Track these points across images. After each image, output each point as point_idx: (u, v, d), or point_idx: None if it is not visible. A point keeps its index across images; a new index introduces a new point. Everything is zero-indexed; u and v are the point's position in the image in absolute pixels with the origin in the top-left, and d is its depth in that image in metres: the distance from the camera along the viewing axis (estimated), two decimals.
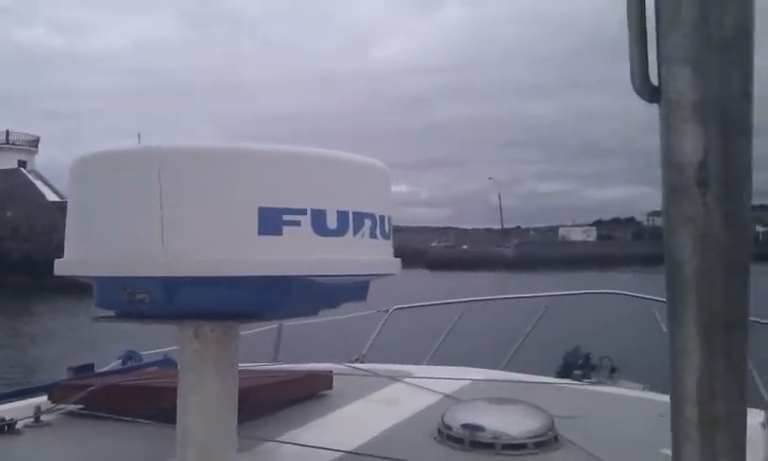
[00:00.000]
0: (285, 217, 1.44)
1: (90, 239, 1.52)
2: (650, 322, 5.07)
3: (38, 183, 52.47)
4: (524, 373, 3.63)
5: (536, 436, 2.07)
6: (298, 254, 1.44)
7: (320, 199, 1.48)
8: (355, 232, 1.54)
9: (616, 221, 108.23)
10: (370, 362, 4.20)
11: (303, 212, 1.45)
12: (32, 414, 2.42)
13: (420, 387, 2.97)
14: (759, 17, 0.76)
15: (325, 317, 5.22)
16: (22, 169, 52.84)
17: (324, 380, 2.93)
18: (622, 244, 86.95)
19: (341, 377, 3.06)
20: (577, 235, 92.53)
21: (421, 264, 66.16)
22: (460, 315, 5.50)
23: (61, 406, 2.53)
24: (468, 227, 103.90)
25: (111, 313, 1.61)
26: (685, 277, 0.81)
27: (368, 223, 1.58)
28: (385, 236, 1.65)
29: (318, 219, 1.47)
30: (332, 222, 1.49)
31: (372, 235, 1.59)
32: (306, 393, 2.81)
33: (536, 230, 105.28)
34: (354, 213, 1.54)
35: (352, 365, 3.68)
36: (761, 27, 0.77)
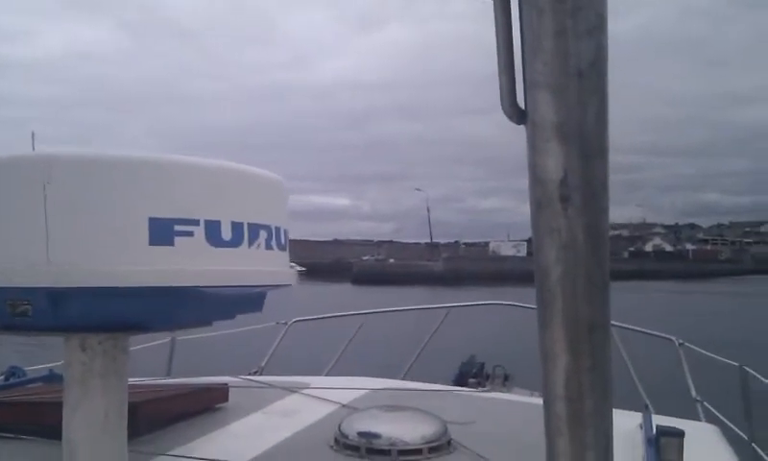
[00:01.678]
0: (177, 227, 1.43)
1: None
2: None
3: None
4: (422, 382, 3.72)
5: (429, 441, 2.13)
6: (190, 264, 1.43)
7: (214, 210, 1.48)
8: (250, 244, 1.55)
9: None
10: (269, 375, 4.18)
11: (196, 223, 1.45)
12: None
13: (317, 398, 2.99)
14: (613, 47, 0.84)
15: (222, 330, 5.16)
16: None
17: (220, 393, 2.90)
18: None
19: (237, 390, 3.03)
20: (507, 250, 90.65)
21: (348, 278, 64.50)
22: (359, 327, 5.55)
23: None
24: (411, 241, 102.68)
25: None
26: (551, 284, 0.87)
27: (263, 234, 1.59)
28: (281, 247, 1.67)
29: (212, 230, 1.47)
30: (227, 233, 1.50)
31: (268, 246, 1.61)
32: (201, 406, 2.77)
33: (467, 244, 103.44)
34: (249, 224, 1.55)
35: (249, 378, 3.65)
36: (615, 55, 0.85)
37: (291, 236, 1.75)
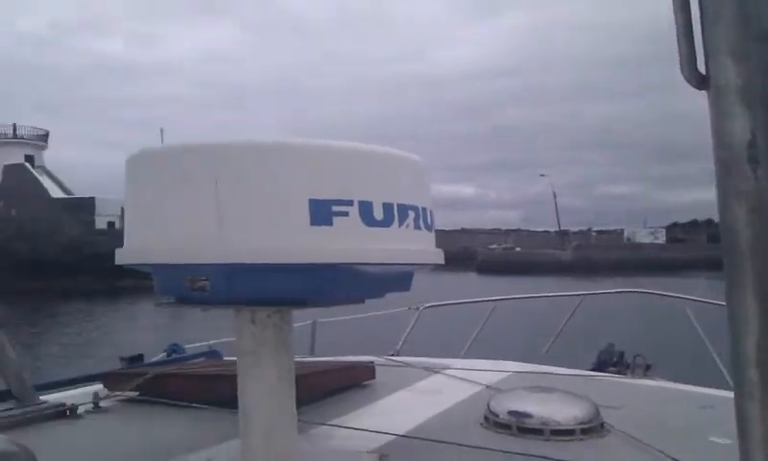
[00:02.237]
0: (334, 208, 1.53)
1: (152, 230, 1.62)
2: (683, 321, 5.09)
3: (44, 179, 51.13)
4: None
5: (582, 423, 2.13)
6: (347, 243, 1.53)
7: (366, 191, 1.58)
8: (400, 223, 1.63)
9: (693, 224, 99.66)
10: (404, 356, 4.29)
11: (351, 204, 1.55)
12: (90, 400, 2.57)
13: (460, 378, 3.06)
14: None
15: (356, 314, 5.36)
16: (27, 165, 51.12)
17: (367, 371, 3.04)
18: (696, 247, 76.87)
19: (382, 369, 3.16)
20: (644, 237, 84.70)
21: (473, 267, 63.31)
22: (491, 311, 5.57)
23: (118, 393, 2.67)
24: (540, 229, 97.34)
25: (171, 299, 1.71)
26: (741, 246, 0.88)
27: (411, 214, 1.66)
28: (428, 228, 1.74)
29: (365, 210, 1.56)
30: (378, 213, 1.58)
31: (416, 226, 1.68)
32: (350, 382, 2.91)
33: (598, 231, 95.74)
34: (399, 205, 1.63)
35: (392, 358, 3.78)
36: None
37: None
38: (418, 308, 5.35)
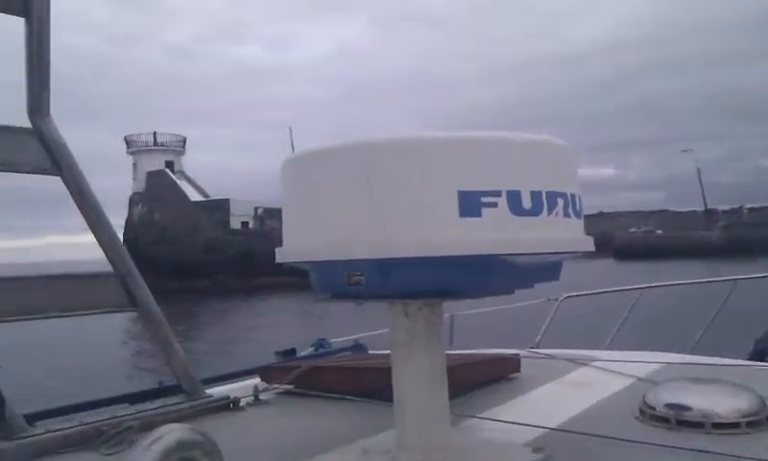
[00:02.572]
0: (483, 199, 1.54)
1: (309, 228, 1.71)
2: None
3: (182, 184, 53.11)
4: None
5: (747, 416, 2.00)
6: (497, 233, 1.54)
7: (514, 180, 1.58)
8: (549, 211, 1.62)
9: None
10: (545, 349, 4.22)
11: (499, 194, 1.55)
12: (251, 393, 2.73)
13: (609, 370, 2.97)
14: None
15: (494, 306, 5.32)
16: (167, 170, 53.28)
17: (513, 364, 3.02)
18: None
19: (527, 361, 3.14)
20: None
21: (609, 252, 59.34)
22: (636, 300, 5.35)
23: (275, 386, 2.82)
24: (686, 209, 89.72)
25: (328, 295, 1.80)
26: None
27: (561, 202, 1.65)
28: (577, 215, 1.72)
29: (514, 200, 1.56)
30: (527, 202, 1.58)
31: (566, 214, 1.66)
32: (496, 375, 2.91)
33: (752, 209, 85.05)
34: (547, 193, 1.61)
35: (535, 350, 3.74)
36: None
37: None
38: (557, 299, 5.24)
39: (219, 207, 51.27)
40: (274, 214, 52.61)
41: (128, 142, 56.35)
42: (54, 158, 2.44)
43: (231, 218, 50.91)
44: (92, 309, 2.54)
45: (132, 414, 2.35)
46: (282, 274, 43.74)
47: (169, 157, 55.11)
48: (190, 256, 46.40)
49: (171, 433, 1.04)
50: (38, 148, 2.42)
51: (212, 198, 53.77)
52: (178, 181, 52.73)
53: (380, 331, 4.24)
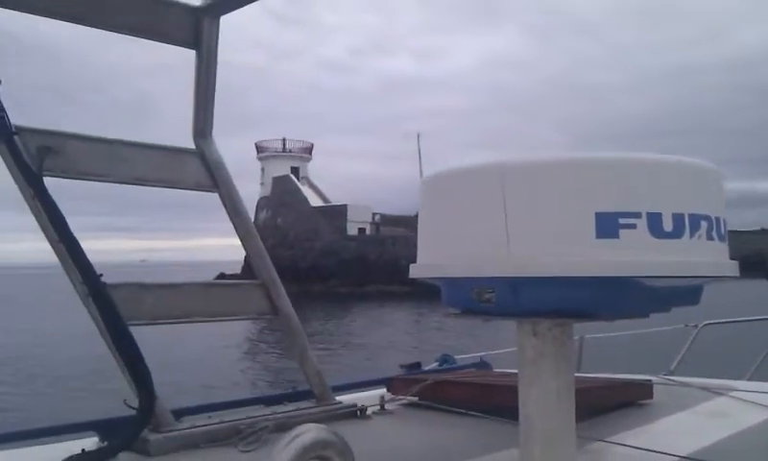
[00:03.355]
0: (621, 220, 1.51)
1: (443, 245, 1.74)
2: None
3: (305, 189, 53.24)
4: None
5: None
6: (634, 255, 1.50)
7: (655, 202, 1.53)
8: (692, 235, 1.56)
9: None
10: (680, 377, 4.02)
11: (639, 216, 1.51)
12: (377, 403, 2.80)
13: (747, 401, 2.80)
14: None
15: (629, 330, 5.12)
16: (291, 176, 53.49)
17: (645, 390, 2.91)
18: None
19: (659, 388, 3.01)
20: None
21: (762, 274, 55.73)
22: None
23: (401, 397, 2.88)
24: None
25: (458, 311, 1.82)
26: None
27: (704, 225, 1.58)
28: (721, 238, 1.64)
29: (654, 222, 1.52)
30: (668, 224, 1.53)
31: (709, 237, 1.59)
32: (626, 400, 2.82)
33: None
34: (690, 215, 1.56)
35: (670, 378, 3.57)
36: None
37: None
38: (696, 326, 4.96)
39: (337, 213, 51.35)
40: (389, 221, 52.92)
41: (258, 148, 57.52)
42: (213, 177, 2.68)
43: (348, 224, 50.83)
44: (239, 315, 2.73)
45: (267, 415, 2.49)
46: (395, 282, 44.40)
47: (295, 163, 55.76)
48: (308, 261, 47.06)
49: (309, 432, 1.11)
50: (200, 167, 2.68)
51: (332, 204, 53.95)
52: (301, 187, 53.20)
53: (505, 350, 4.20)
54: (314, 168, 58.38)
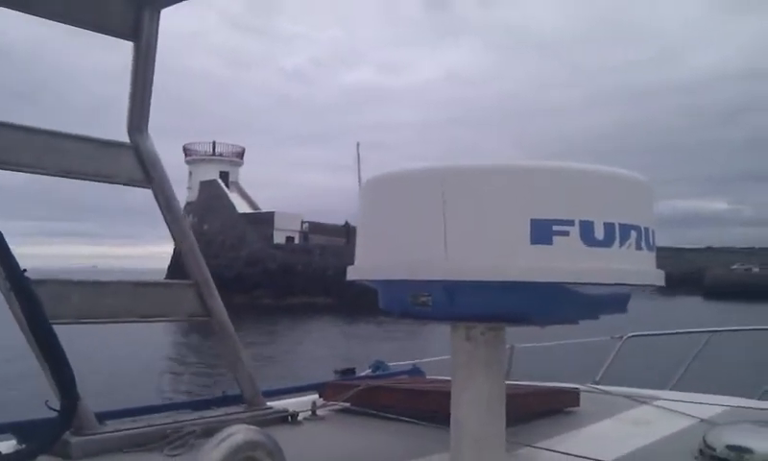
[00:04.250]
0: (555, 227, 1.54)
1: (381, 248, 1.74)
2: None
3: (233, 195, 50.64)
4: None
5: None
6: (567, 262, 1.54)
7: (588, 211, 1.57)
8: (621, 243, 1.60)
9: None
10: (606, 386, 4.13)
11: (572, 223, 1.55)
12: (309, 408, 2.77)
13: (670, 410, 2.90)
14: None
15: (557, 341, 5.23)
16: (219, 180, 50.82)
17: (571, 397, 2.98)
18: None
19: (586, 396, 3.09)
20: None
21: (699, 290, 53.65)
22: (704, 344, 5.17)
23: (333, 403, 2.86)
24: None
25: (394, 315, 1.82)
26: None
27: (633, 234, 1.63)
28: (650, 248, 1.70)
29: (586, 230, 1.56)
30: (599, 233, 1.57)
31: (638, 247, 1.64)
32: (553, 407, 2.88)
33: None
34: (621, 225, 1.60)
35: (596, 386, 3.66)
36: None
37: (657, 244, 1.75)
38: (621, 337, 5.11)
39: (264, 220, 48.78)
40: (318, 229, 50.71)
41: (186, 151, 54.15)
42: (147, 172, 2.59)
43: (276, 232, 48.40)
44: (170, 316, 2.66)
45: (195, 419, 2.42)
46: (321, 294, 43.22)
47: (225, 168, 53.07)
48: (233, 271, 44.09)
49: (239, 433, 1.09)
50: (134, 162, 2.60)
51: (260, 211, 51.32)
52: (229, 193, 50.53)
53: (438, 358, 4.23)
54: (246, 174, 56.35)
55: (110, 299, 2.48)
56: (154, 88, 2.67)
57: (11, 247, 2.01)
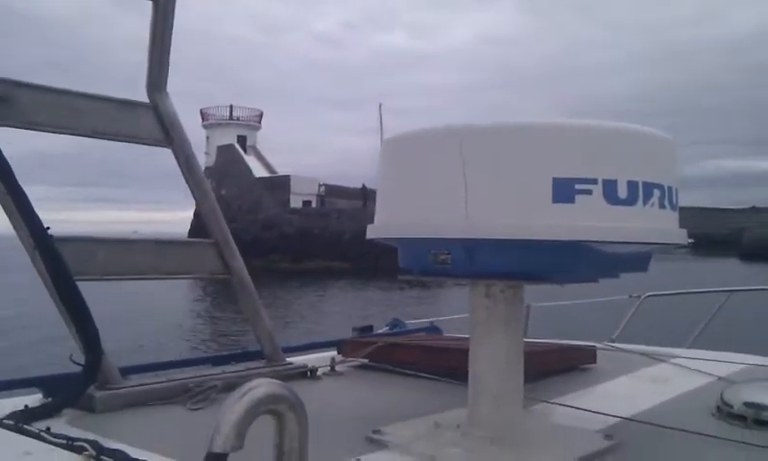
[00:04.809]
0: (578, 186, 1.53)
1: (401, 207, 1.74)
2: None
3: (251, 159, 50.31)
4: None
5: None
6: (589, 220, 1.53)
7: (611, 169, 1.56)
8: (645, 202, 1.59)
9: None
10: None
11: (595, 182, 1.54)
12: (328, 364, 2.81)
13: (688, 368, 2.90)
14: None
15: (575, 300, 5.22)
16: (236, 145, 50.54)
17: (588, 354, 2.99)
18: None
19: (603, 354, 3.09)
20: None
21: (737, 251, 49.80)
22: (723, 302, 5.15)
23: (351, 359, 2.89)
24: None
25: (414, 273, 1.82)
26: None
27: (657, 193, 1.62)
28: (672, 207, 1.68)
29: (609, 188, 1.55)
30: (623, 191, 1.56)
31: (661, 206, 1.63)
32: (570, 364, 2.89)
33: None
34: (644, 183, 1.59)
35: (614, 345, 3.67)
36: None
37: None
38: (639, 297, 5.10)
39: (280, 185, 48.41)
40: (335, 192, 50.29)
41: (203, 115, 53.67)
42: (167, 132, 2.60)
43: (292, 196, 47.96)
44: (192, 274, 2.69)
45: (216, 374, 2.46)
46: (338, 258, 42.87)
47: (243, 132, 52.49)
48: (250, 234, 43.42)
49: (261, 386, 1.10)
50: (154, 121, 2.60)
51: (276, 175, 50.61)
52: (246, 157, 50.03)
53: (455, 317, 4.25)
54: (265, 137, 55.54)
55: (135, 256, 2.51)
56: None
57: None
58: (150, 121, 2.59)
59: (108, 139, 2.53)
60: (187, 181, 2.67)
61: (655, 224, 1.62)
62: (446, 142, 1.63)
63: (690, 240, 1.80)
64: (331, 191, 50.97)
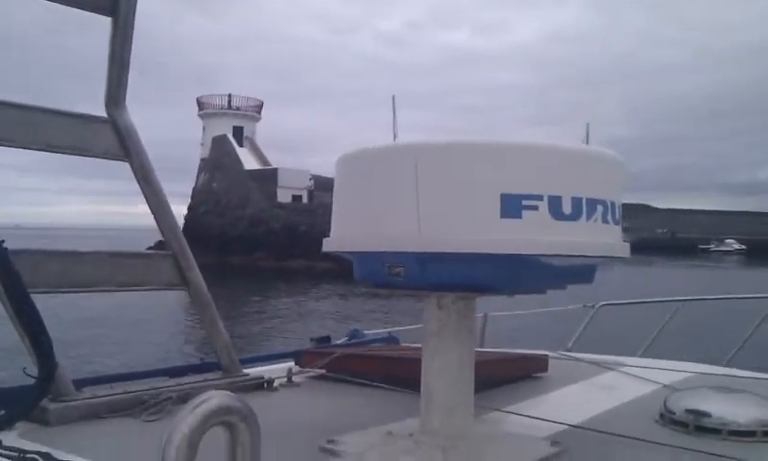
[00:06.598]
0: (524, 202, 1.60)
1: (356, 221, 1.80)
2: None
3: (243, 151, 47.83)
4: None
5: (764, 425, 2.03)
6: (535, 235, 1.60)
7: (556, 186, 1.63)
8: (588, 217, 1.66)
9: None
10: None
11: (540, 198, 1.61)
12: (285, 375, 2.82)
13: (636, 376, 3.00)
14: None
15: (529, 310, 5.31)
16: (227, 135, 48.06)
17: (540, 363, 3.06)
18: None
19: (555, 362, 3.17)
20: None
21: None
22: (674, 312, 5.29)
23: (309, 370, 2.91)
24: None
25: (369, 284, 1.87)
26: None
27: (600, 209, 1.70)
28: (615, 221, 1.76)
29: (554, 204, 1.62)
30: (567, 207, 1.63)
31: (604, 220, 1.71)
32: (522, 373, 2.96)
33: None
34: (588, 199, 1.66)
35: (565, 353, 3.76)
36: None
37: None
38: (593, 306, 5.22)
39: (267, 178, 45.82)
40: (326, 186, 45.33)
41: (199, 104, 50.89)
42: (125, 146, 2.60)
43: (279, 190, 45.27)
44: (148, 286, 2.68)
45: (172, 386, 2.46)
46: (322, 257, 40.96)
47: (240, 123, 49.65)
48: (237, 231, 42.72)
49: (213, 398, 1.12)
50: (111, 136, 2.60)
51: (265, 167, 47.76)
52: (238, 148, 47.49)
53: (412, 327, 4.30)
54: (263, 128, 52.35)
55: (88, 268, 2.49)
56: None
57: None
58: (107, 135, 2.59)
59: (64, 153, 2.52)
60: (144, 194, 2.66)
61: (598, 238, 1.69)
62: (401, 159, 1.69)
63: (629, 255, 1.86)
64: (321, 184, 45.61)
